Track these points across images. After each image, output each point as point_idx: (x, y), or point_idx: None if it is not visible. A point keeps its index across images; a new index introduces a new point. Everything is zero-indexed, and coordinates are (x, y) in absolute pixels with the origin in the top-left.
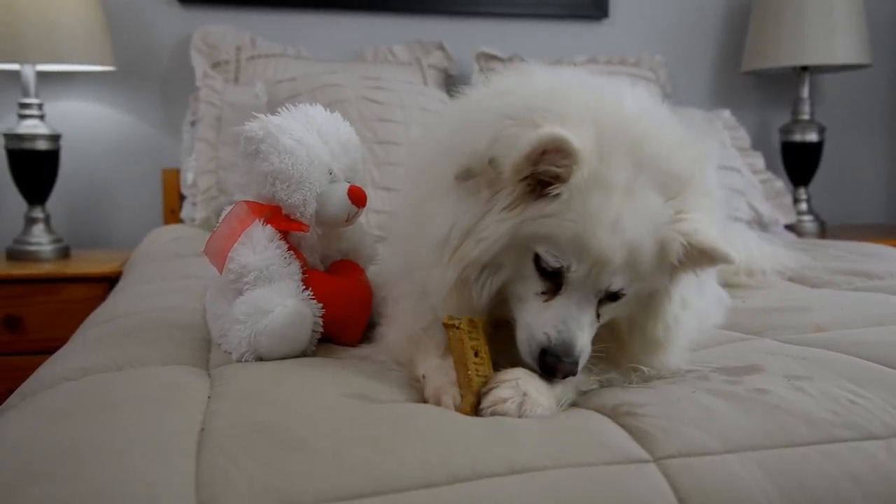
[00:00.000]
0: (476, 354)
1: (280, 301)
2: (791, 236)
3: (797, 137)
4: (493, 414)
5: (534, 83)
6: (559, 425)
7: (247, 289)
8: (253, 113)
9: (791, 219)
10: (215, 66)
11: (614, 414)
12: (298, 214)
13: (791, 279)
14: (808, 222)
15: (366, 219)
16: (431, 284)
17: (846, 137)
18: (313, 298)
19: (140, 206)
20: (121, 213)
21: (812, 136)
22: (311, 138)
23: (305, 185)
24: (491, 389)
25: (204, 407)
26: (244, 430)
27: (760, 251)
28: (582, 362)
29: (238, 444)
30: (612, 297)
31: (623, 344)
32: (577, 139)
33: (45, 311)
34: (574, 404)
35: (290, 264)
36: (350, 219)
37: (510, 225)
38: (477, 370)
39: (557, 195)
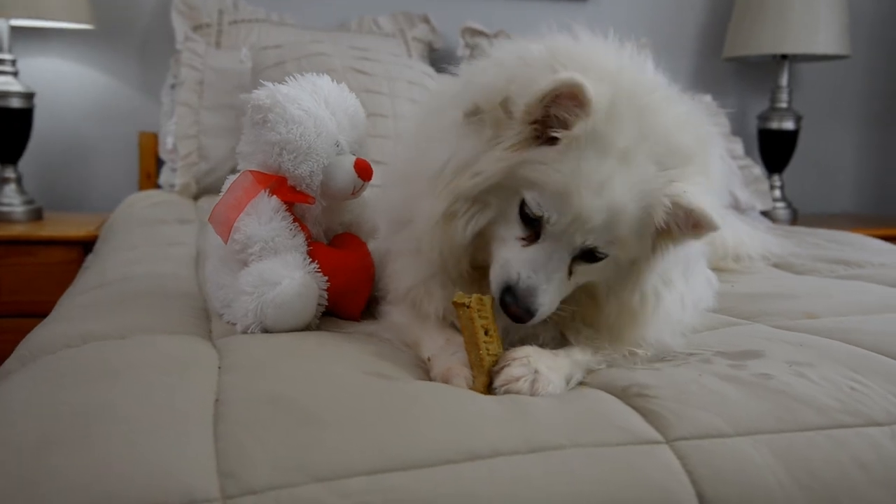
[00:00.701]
0: (486, 333)
1: (287, 273)
2: (767, 222)
3: (774, 125)
4: (506, 392)
5: (557, 40)
6: (573, 405)
7: (252, 260)
8: (260, 81)
9: (767, 205)
10: (196, 28)
11: (625, 395)
12: (304, 186)
13: (776, 265)
14: (781, 209)
15: None
16: (420, 215)
17: (822, 126)
18: (318, 271)
19: (115, 170)
20: (95, 175)
21: (789, 125)
22: (320, 109)
23: (312, 157)
24: (503, 368)
25: (216, 377)
26: (260, 402)
27: (749, 236)
28: (539, 317)
29: (256, 416)
30: (588, 256)
31: (600, 310)
32: (593, 90)
33: (20, 273)
34: (583, 383)
35: (294, 236)
36: (356, 192)
37: (507, 164)
38: (488, 349)
39: (557, 142)
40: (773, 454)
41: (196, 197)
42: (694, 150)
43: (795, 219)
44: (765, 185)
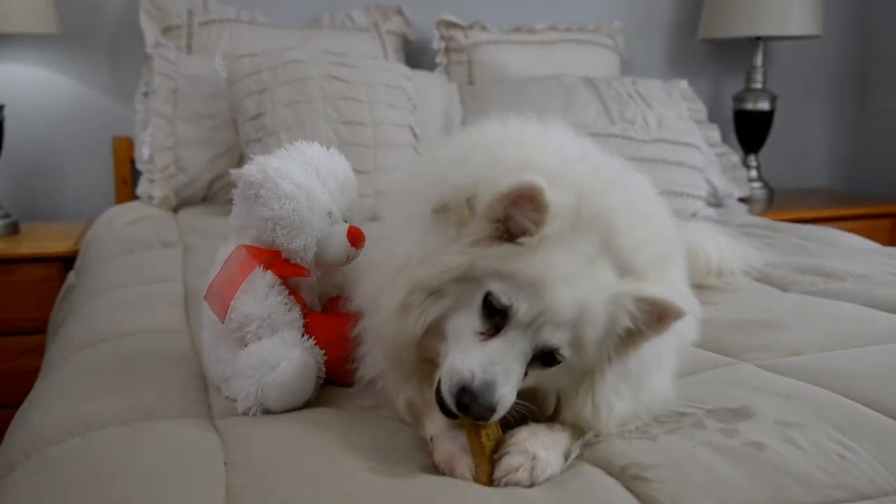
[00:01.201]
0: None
1: (286, 354)
2: (743, 208)
3: (749, 106)
4: (506, 484)
5: (536, 140)
6: (574, 498)
7: (249, 338)
8: (251, 155)
9: (745, 192)
10: (166, 30)
11: (623, 477)
12: (299, 259)
13: (758, 279)
14: (758, 189)
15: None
16: (378, 307)
17: (795, 105)
18: (316, 345)
19: (90, 176)
20: (70, 183)
21: (764, 105)
22: (311, 182)
23: (306, 231)
24: (502, 456)
25: (224, 478)
26: None
27: (730, 251)
28: (500, 412)
29: None
30: (546, 358)
31: (555, 413)
32: (554, 199)
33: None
34: (582, 457)
35: (290, 310)
36: (349, 259)
37: (469, 258)
38: (487, 434)
39: (520, 241)
40: None
41: (175, 209)
42: (648, 270)
43: (772, 198)
44: (742, 173)
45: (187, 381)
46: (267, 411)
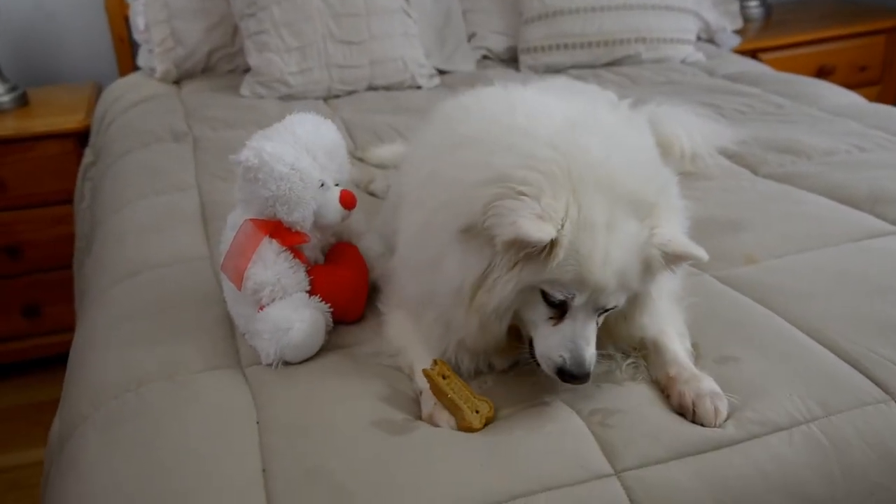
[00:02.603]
0: (444, 377)
1: (297, 317)
2: (736, 39)
3: None
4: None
5: (511, 128)
6: (545, 447)
7: (265, 301)
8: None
9: (737, 24)
10: None
11: (590, 422)
12: (299, 227)
13: (730, 158)
14: (755, 8)
15: (329, 75)
16: (456, 324)
17: None
18: (321, 298)
19: (87, 36)
20: (68, 44)
21: None
22: (302, 161)
23: (302, 205)
24: (693, 411)
25: (257, 437)
26: (300, 477)
27: (702, 135)
28: (592, 367)
29: (299, 495)
30: (608, 309)
31: (611, 332)
32: (546, 228)
33: (22, 169)
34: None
35: (296, 272)
36: (344, 219)
37: (515, 282)
38: (451, 388)
39: (553, 257)
40: (697, 476)
41: (177, 81)
42: (657, 196)
43: (769, 16)
44: (735, 6)
45: (215, 327)
46: (287, 363)
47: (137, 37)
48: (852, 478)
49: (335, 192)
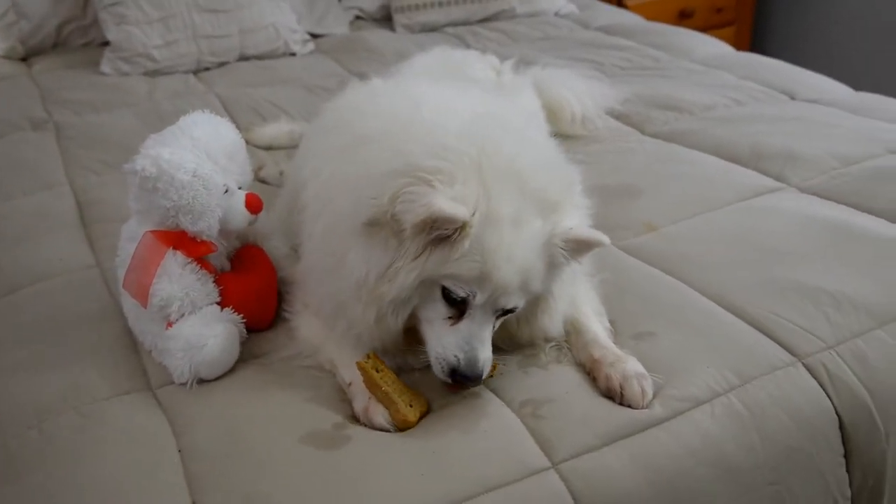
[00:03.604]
0: (377, 371)
1: (210, 332)
2: None
3: None
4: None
5: (413, 121)
6: (482, 447)
7: (173, 317)
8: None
9: None
10: None
11: (522, 414)
12: (205, 236)
13: (618, 118)
14: None
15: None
16: (355, 318)
17: None
18: (233, 309)
19: None
20: None
21: None
22: (204, 167)
23: (207, 213)
24: (621, 392)
25: (182, 469)
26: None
27: (590, 97)
28: (486, 371)
29: None
30: (506, 312)
31: (512, 334)
32: (461, 208)
33: None
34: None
35: (205, 284)
36: (251, 224)
37: (418, 272)
38: (384, 381)
39: (459, 246)
40: (631, 460)
41: (25, 58)
42: (563, 194)
43: None
44: None
45: (116, 345)
46: (202, 380)
47: None
48: (770, 443)
49: (240, 197)
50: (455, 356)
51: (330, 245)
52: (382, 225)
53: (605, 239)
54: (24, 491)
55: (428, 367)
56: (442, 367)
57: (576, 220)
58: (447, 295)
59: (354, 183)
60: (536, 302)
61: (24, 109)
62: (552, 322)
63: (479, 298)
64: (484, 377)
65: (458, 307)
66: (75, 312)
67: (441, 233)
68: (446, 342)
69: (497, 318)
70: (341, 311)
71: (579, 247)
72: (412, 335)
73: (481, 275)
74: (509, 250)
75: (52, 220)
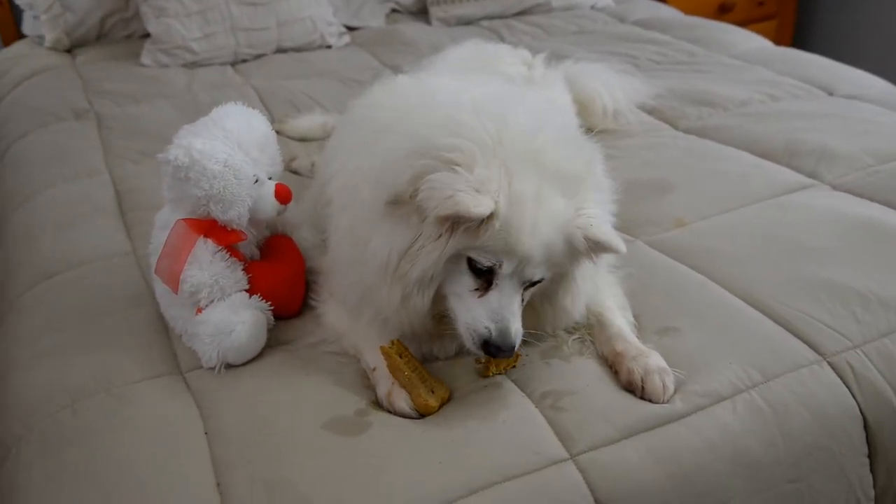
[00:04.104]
0: (401, 356)
1: (238, 318)
2: None
3: None
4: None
5: (430, 106)
6: (501, 436)
7: (203, 303)
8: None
9: None
10: None
11: (542, 406)
12: (234, 225)
13: (650, 113)
14: None
15: (235, 40)
16: (381, 302)
17: None
18: (261, 296)
19: None
20: None
21: None
22: (235, 157)
23: (238, 203)
24: (643, 387)
25: (208, 452)
26: (260, 490)
27: (622, 91)
28: (518, 342)
29: None
30: (534, 283)
31: (536, 312)
32: (485, 202)
33: None
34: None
35: (234, 271)
36: (279, 213)
37: (441, 251)
38: (408, 366)
39: (485, 228)
40: (649, 453)
41: (70, 50)
42: (584, 172)
43: None
44: None
45: (149, 330)
46: (230, 365)
47: (20, 2)
48: (791, 440)
49: (270, 187)
50: (486, 327)
51: (355, 236)
52: (403, 203)
53: (621, 247)
54: (56, 468)
55: (452, 356)
56: (473, 339)
57: (599, 205)
58: (473, 266)
59: (376, 172)
60: (559, 281)
61: (68, 100)
62: (574, 305)
63: (507, 268)
64: (517, 345)
65: (485, 278)
66: (110, 298)
67: (467, 225)
68: (476, 313)
69: (524, 289)
70: (367, 297)
71: (596, 246)
72: (440, 323)
73: (507, 247)
74: (532, 226)
75: (90, 207)
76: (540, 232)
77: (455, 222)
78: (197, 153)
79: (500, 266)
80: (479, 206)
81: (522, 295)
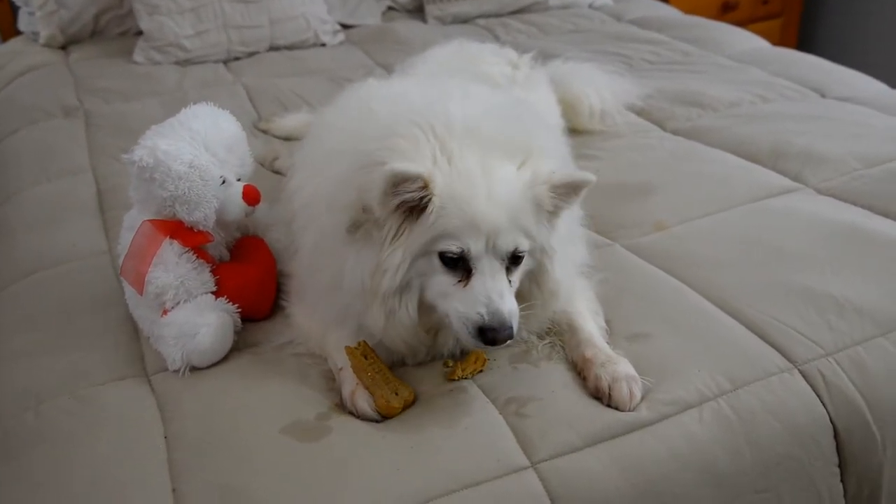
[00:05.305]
0: (366, 357)
1: (203, 321)
2: None
3: None
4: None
5: (370, 122)
6: (462, 443)
7: (168, 305)
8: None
9: None
10: None
11: (506, 412)
12: (201, 226)
13: (639, 114)
14: None
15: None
16: (370, 325)
17: None
18: (228, 298)
19: None
20: None
21: None
22: (201, 158)
23: (203, 204)
24: (609, 393)
25: (165, 456)
26: (214, 496)
27: (610, 92)
28: (516, 323)
29: None
30: (515, 260)
31: (526, 295)
32: (416, 165)
33: None
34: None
35: (201, 272)
36: (247, 215)
37: (403, 249)
38: (372, 367)
39: (431, 206)
40: (613, 462)
41: (64, 46)
42: (528, 141)
43: None
44: None
45: (119, 330)
46: (195, 368)
47: None
48: (759, 449)
49: (237, 188)
50: (478, 312)
51: (320, 262)
52: (361, 223)
53: (590, 177)
54: (16, 471)
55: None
56: (468, 328)
57: (554, 163)
58: (446, 259)
59: (328, 198)
60: (541, 256)
61: (58, 97)
62: (563, 271)
63: (476, 246)
64: (516, 326)
65: (463, 267)
66: (83, 297)
67: (409, 199)
68: (465, 302)
69: (507, 270)
70: (347, 313)
71: (567, 190)
72: (437, 338)
73: (466, 221)
74: (487, 190)
75: (72, 205)
76: (497, 196)
77: (403, 210)
78: (162, 154)
79: (471, 248)
80: (407, 166)
81: (509, 277)
